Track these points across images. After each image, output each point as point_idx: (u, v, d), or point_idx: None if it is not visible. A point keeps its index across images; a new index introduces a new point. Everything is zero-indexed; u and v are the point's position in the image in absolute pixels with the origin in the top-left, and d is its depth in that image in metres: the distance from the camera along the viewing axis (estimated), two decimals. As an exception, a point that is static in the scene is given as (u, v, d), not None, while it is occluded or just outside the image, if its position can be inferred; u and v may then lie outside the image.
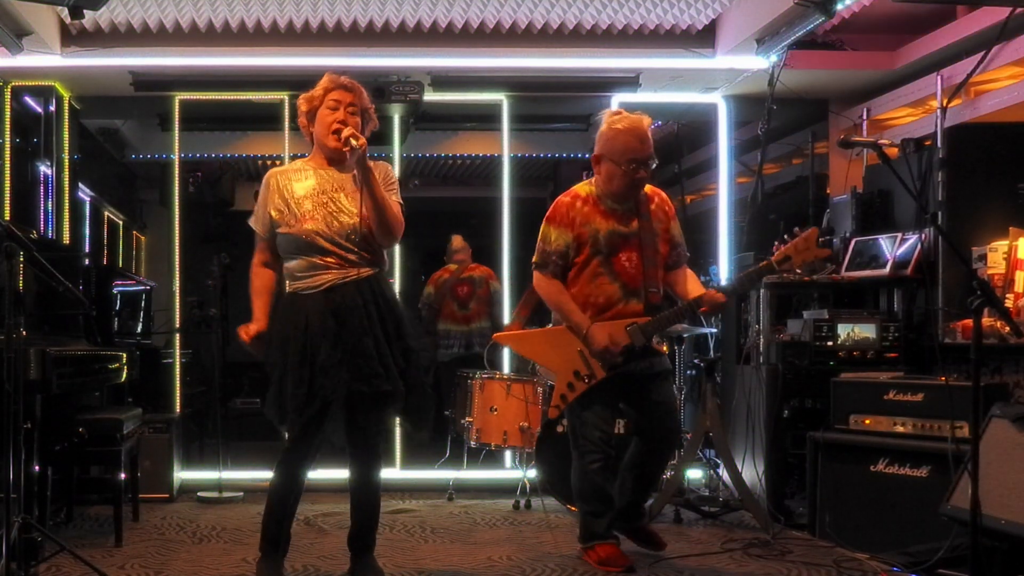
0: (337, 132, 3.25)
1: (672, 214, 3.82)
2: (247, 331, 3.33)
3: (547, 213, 3.77)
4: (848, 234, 5.13)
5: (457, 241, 6.91)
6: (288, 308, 3.30)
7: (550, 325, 3.94)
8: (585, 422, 3.69)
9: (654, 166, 3.69)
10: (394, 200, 3.33)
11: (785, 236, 5.03)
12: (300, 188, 3.31)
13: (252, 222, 3.43)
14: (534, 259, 3.79)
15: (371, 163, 3.25)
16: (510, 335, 4.29)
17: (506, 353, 5.59)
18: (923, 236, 4.65)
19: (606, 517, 3.73)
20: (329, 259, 3.25)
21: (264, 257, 3.41)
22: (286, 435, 3.36)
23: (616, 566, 3.63)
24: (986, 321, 3.87)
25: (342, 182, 3.32)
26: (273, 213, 3.31)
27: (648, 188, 3.79)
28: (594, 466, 3.67)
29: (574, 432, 3.75)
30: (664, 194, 3.86)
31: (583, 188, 3.78)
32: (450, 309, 6.70)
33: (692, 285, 3.77)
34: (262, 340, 3.32)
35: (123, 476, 4.26)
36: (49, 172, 5.81)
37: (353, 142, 3.17)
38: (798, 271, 3.63)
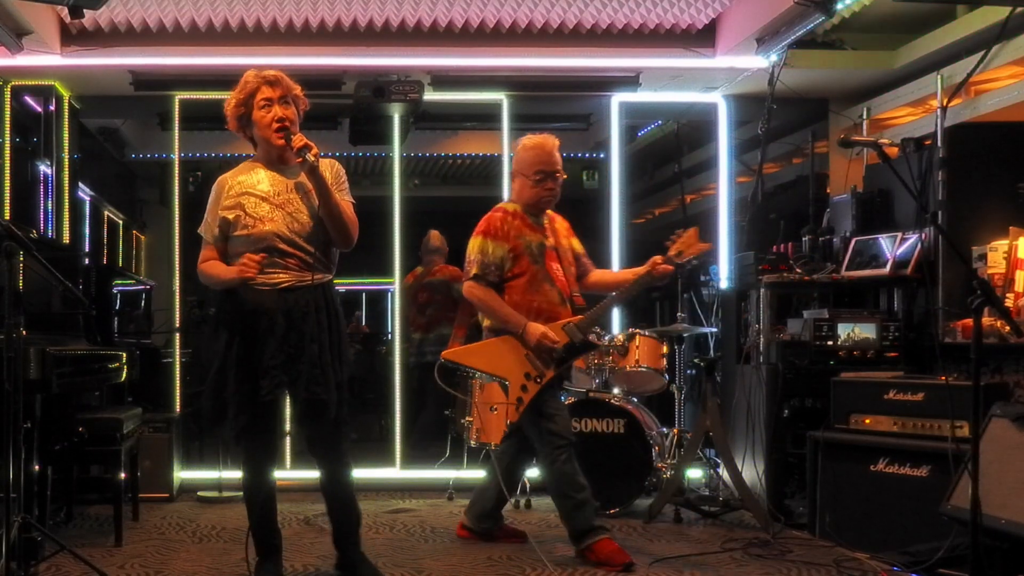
0: (284, 135, 3.21)
1: (570, 233, 4.12)
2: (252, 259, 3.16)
3: (479, 228, 3.95)
4: (848, 233, 5.13)
5: (435, 238, 6.54)
6: (239, 298, 3.23)
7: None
8: (548, 417, 3.82)
9: (562, 180, 3.97)
10: (347, 201, 3.31)
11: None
12: (255, 190, 3.27)
13: (201, 230, 3.38)
14: (473, 271, 3.91)
15: (320, 161, 3.20)
16: (457, 351, 4.28)
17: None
18: (923, 235, 4.65)
19: (587, 506, 3.78)
20: (290, 260, 3.22)
21: (210, 255, 3.34)
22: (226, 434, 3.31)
23: (616, 564, 3.64)
24: (986, 321, 3.87)
25: (296, 181, 3.29)
26: (229, 216, 3.25)
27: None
28: (562, 457, 3.78)
29: (540, 432, 3.83)
30: (558, 215, 4.11)
31: (507, 205, 4.03)
32: (411, 314, 6.44)
33: (620, 272, 4.22)
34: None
35: (123, 476, 4.26)
36: (49, 172, 5.81)
37: (308, 155, 3.12)
38: (694, 262, 4.09)
